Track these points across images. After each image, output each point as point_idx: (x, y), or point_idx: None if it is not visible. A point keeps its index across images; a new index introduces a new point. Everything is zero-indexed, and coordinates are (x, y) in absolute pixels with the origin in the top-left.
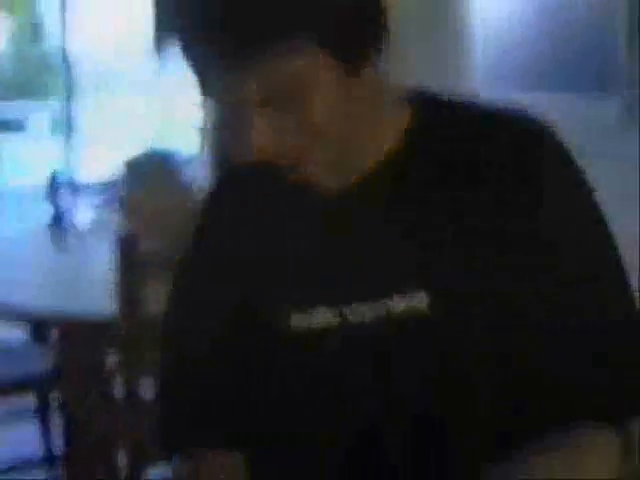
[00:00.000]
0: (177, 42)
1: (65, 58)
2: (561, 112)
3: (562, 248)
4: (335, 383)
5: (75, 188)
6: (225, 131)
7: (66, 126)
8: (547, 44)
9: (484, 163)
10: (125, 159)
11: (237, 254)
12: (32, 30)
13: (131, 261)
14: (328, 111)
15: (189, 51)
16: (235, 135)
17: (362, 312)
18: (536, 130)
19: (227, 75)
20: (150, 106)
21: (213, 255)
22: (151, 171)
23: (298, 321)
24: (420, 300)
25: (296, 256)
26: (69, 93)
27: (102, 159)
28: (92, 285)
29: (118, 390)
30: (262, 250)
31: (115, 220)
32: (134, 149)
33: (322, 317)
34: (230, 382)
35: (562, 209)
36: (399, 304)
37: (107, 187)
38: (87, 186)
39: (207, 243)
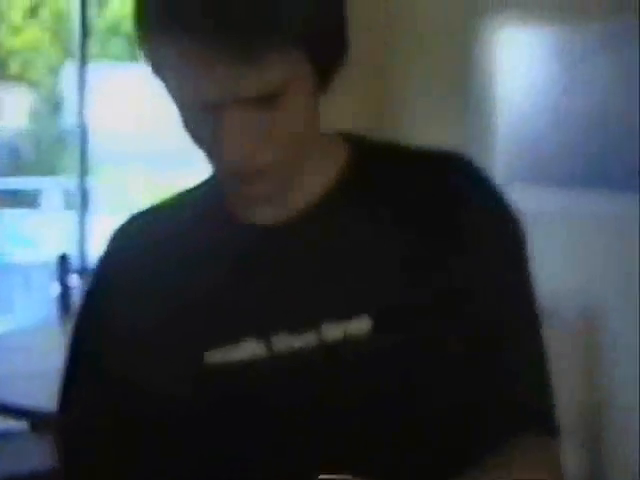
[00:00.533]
0: (173, 37)
1: (83, 134)
2: (586, 209)
3: (478, 289)
4: (265, 416)
5: (85, 268)
6: (200, 135)
7: (80, 203)
8: (574, 140)
9: (413, 200)
10: None
11: (153, 289)
12: (52, 106)
13: None
14: (298, 122)
15: (184, 46)
16: (210, 137)
17: (292, 341)
18: (464, 172)
19: (221, 71)
20: (166, 185)
21: (124, 291)
22: None
23: (218, 355)
24: (361, 326)
25: (218, 290)
26: (84, 169)
27: None
28: None
29: None
30: (181, 285)
31: None
32: None
33: (248, 349)
34: (149, 420)
35: (481, 252)
36: (335, 331)
37: None
38: None
39: (116, 279)
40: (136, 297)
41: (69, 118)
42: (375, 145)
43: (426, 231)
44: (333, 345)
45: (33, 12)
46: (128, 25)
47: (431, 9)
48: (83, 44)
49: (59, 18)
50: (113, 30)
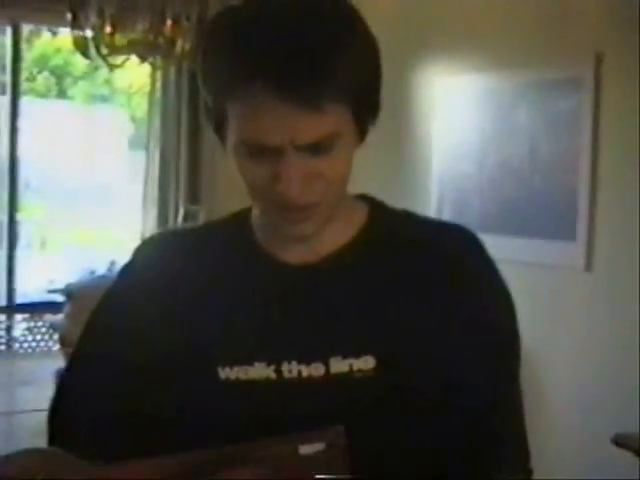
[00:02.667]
0: (262, 85)
1: (12, 168)
2: (528, 256)
3: (466, 343)
4: (269, 431)
5: (10, 305)
6: (254, 174)
7: (8, 238)
8: (512, 192)
9: (419, 259)
10: (66, 283)
11: (179, 301)
12: None
13: None
14: (342, 170)
15: (260, 95)
16: (265, 176)
17: (300, 369)
18: (461, 240)
19: (287, 119)
20: (97, 222)
21: (150, 296)
22: (94, 299)
23: (232, 373)
24: (366, 363)
25: (240, 315)
26: (13, 204)
27: (44, 274)
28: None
29: None
30: (206, 304)
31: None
32: (78, 267)
33: (259, 371)
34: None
35: (471, 311)
36: (342, 365)
37: (45, 309)
38: (24, 305)
39: (144, 284)
40: (160, 306)
41: None
42: (391, 211)
43: (426, 288)
44: (338, 377)
45: None
46: (55, 60)
47: None
48: (14, 80)
49: None
50: (40, 66)
